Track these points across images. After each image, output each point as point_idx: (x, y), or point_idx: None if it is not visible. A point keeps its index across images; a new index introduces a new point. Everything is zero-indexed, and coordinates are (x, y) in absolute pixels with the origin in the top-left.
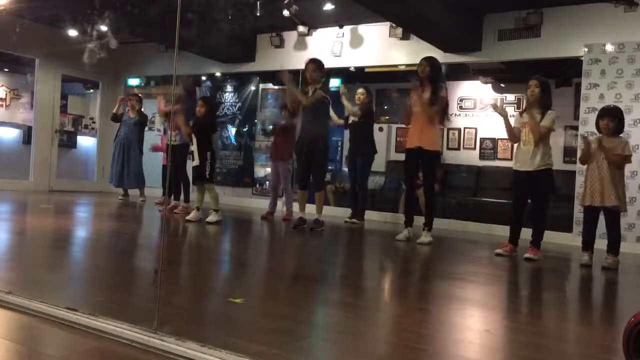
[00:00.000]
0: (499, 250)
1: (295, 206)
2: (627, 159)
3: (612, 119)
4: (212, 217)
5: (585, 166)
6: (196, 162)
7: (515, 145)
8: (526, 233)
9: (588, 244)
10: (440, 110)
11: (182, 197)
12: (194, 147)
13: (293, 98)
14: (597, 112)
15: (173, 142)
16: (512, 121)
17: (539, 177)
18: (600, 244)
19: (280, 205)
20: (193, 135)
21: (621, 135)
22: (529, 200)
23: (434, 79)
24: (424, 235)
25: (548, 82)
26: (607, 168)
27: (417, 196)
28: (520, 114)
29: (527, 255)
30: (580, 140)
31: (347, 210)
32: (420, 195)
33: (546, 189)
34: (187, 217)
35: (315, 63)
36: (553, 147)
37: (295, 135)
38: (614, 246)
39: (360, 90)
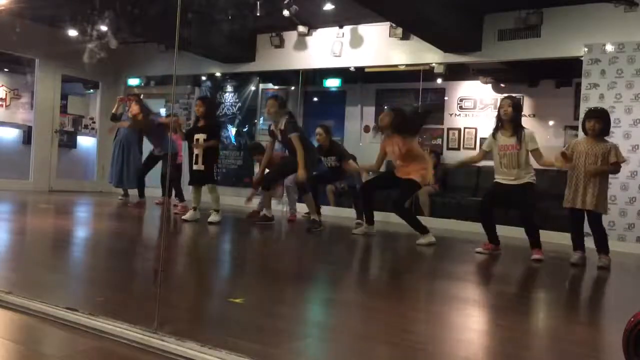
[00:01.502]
0: (479, 249)
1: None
2: (618, 167)
3: (598, 120)
4: (213, 217)
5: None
6: (199, 166)
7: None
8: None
9: (578, 244)
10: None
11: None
12: (197, 151)
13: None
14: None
15: (159, 153)
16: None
17: (525, 189)
18: (590, 242)
19: (281, 205)
20: (196, 139)
21: (607, 137)
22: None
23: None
24: (422, 237)
25: (520, 102)
26: (589, 173)
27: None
28: (493, 135)
29: (535, 256)
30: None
31: (347, 210)
32: (421, 195)
33: (531, 201)
34: (183, 217)
35: (275, 99)
36: (553, 148)
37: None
38: (602, 245)
39: (318, 129)
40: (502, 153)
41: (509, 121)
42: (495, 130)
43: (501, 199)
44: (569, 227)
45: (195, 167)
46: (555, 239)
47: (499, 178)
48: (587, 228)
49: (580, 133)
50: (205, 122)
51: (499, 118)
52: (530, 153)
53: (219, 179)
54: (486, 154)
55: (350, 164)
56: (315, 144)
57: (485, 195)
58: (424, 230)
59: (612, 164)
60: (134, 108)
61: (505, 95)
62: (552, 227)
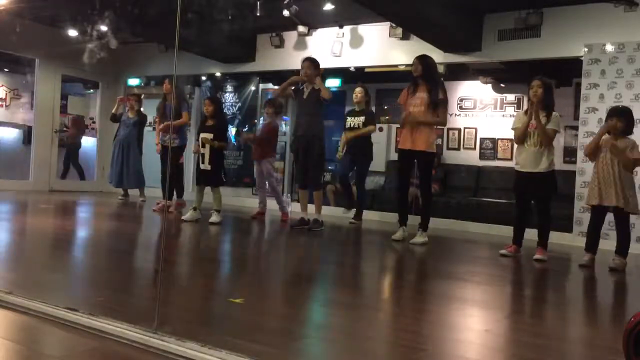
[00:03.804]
0: (503, 251)
1: (297, 206)
2: (638, 162)
3: (619, 118)
4: (214, 218)
5: (589, 161)
6: (206, 165)
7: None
8: (530, 233)
9: (590, 245)
10: (440, 110)
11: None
12: (205, 150)
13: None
14: (597, 112)
15: (172, 144)
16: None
17: (543, 178)
18: (605, 244)
19: (275, 204)
20: (201, 138)
21: (629, 136)
22: (532, 201)
23: (429, 78)
24: (419, 235)
25: (551, 83)
26: (614, 168)
27: (415, 195)
28: (525, 113)
29: (537, 256)
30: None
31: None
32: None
33: (551, 190)
34: (183, 217)
35: (310, 61)
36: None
37: (277, 134)
38: (621, 247)
39: (358, 89)
40: (528, 131)
41: (539, 103)
42: (527, 110)
43: (529, 191)
44: (588, 226)
45: (202, 166)
46: (555, 239)
47: (518, 166)
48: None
49: (580, 132)
50: (212, 122)
51: (530, 100)
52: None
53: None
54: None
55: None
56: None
57: (518, 193)
58: (426, 227)
59: (629, 157)
60: (167, 87)
61: (537, 76)
62: (552, 227)
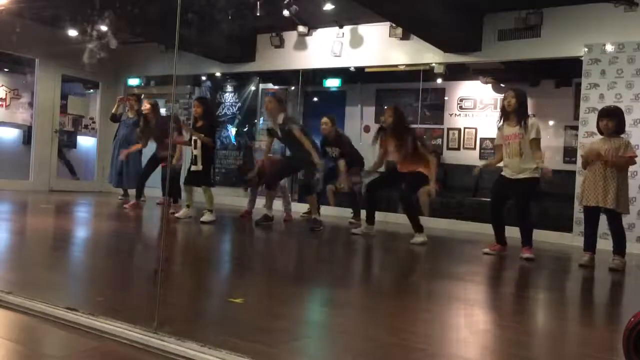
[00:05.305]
0: (486, 250)
1: (297, 206)
2: (631, 160)
3: (611, 119)
4: (207, 217)
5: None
6: (198, 167)
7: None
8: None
9: (589, 244)
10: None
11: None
12: (196, 152)
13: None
14: (597, 112)
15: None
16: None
17: (525, 184)
18: (605, 244)
19: (274, 205)
20: (194, 140)
21: (622, 135)
22: (514, 202)
23: (397, 129)
24: (417, 235)
25: (524, 94)
26: (608, 170)
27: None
28: (500, 127)
29: (525, 255)
30: (581, 149)
31: (347, 210)
32: (421, 195)
33: (529, 196)
34: (176, 215)
35: (272, 96)
36: (553, 148)
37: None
38: (618, 247)
39: (324, 119)
40: (507, 142)
41: (512, 112)
42: (502, 122)
43: (505, 193)
44: (584, 226)
45: (193, 167)
46: (555, 239)
47: (504, 171)
48: (601, 230)
49: (580, 132)
50: (202, 123)
51: (503, 110)
52: (529, 142)
53: (218, 179)
54: (502, 148)
55: (340, 164)
56: (316, 139)
57: (493, 193)
58: (420, 229)
59: (618, 157)
60: (147, 107)
61: (511, 87)
62: (552, 227)
